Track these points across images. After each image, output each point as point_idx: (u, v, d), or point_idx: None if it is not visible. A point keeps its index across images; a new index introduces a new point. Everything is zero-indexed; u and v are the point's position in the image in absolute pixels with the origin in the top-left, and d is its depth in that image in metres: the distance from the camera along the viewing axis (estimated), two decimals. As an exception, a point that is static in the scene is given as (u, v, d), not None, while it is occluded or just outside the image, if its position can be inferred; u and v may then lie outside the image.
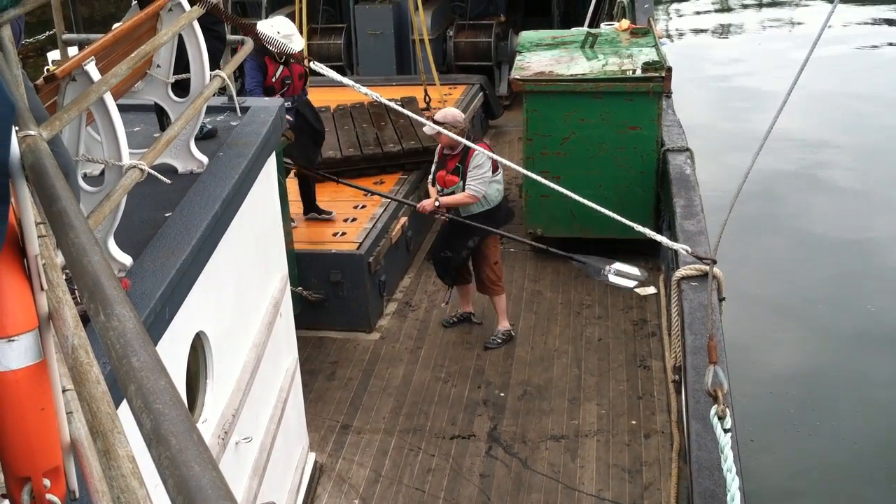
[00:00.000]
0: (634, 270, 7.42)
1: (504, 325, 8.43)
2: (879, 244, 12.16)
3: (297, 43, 8.13)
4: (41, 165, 2.23)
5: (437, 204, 7.88)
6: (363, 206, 9.38)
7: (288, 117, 7.58)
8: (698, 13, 26.85)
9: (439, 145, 8.09)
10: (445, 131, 7.00)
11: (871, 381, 9.41)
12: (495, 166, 7.82)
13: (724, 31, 24.91)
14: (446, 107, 9.33)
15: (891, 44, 22.18)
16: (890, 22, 24.00)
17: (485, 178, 7.75)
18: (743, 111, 16.57)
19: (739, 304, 8.93)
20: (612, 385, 7.73)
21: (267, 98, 7.34)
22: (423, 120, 6.57)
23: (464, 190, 7.82)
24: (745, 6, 26.85)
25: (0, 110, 2.07)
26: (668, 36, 23.28)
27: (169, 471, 1.20)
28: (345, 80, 5.54)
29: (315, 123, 8.78)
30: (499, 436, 7.20)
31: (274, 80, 8.26)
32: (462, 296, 8.68)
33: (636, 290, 9.16)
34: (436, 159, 8.21)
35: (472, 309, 8.71)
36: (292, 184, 9.05)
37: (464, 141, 6.92)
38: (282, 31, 8.05)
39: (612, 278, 7.34)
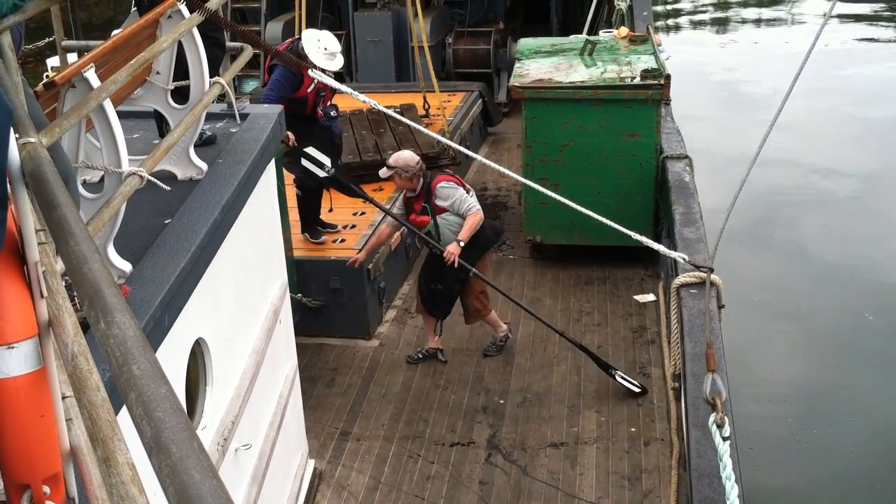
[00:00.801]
0: (635, 382, 7.68)
1: (500, 331, 8.32)
2: (878, 252, 12.16)
3: (338, 62, 7.95)
4: (41, 172, 2.23)
5: (461, 245, 7.54)
6: (362, 213, 9.39)
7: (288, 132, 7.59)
8: (697, 16, 26.89)
9: (403, 191, 7.89)
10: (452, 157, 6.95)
11: (868, 389, 9.41)
12: (467, 188, 7.68)
13: (722, 36, 24.94)
14: (401, 149, 9.18)
15: (890, 41, 22.25)
16: (888, 22, 24.03)
17: (465, 198, 7.56)
18: (742, 117, 16.59)
19: (739, 311, 8.94)
20: (611, 392, 7.72)
21: (266, 105, 7.34)
22: (420, 127, 6.57)
23: (436, 226, 7.62)
24: (744, 4, 26.88)
25: None
26: (669, 29, 23.34)
27: (170, 479, 1.20)
28: (343, 87, 5.56)
29: (336, 140, 8.75)
30: (498, 443, 7.19)
31: (309, 90, 8.13)
32: (429, 330, 8.33)
33: (636, 297, 9.18)
34: (402, 204, 7.96)
35: (441, 345, 8.33)
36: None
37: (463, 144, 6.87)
38: (328, 47, 7.92)
39: (619, 378, 7.67)
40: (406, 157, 7.61)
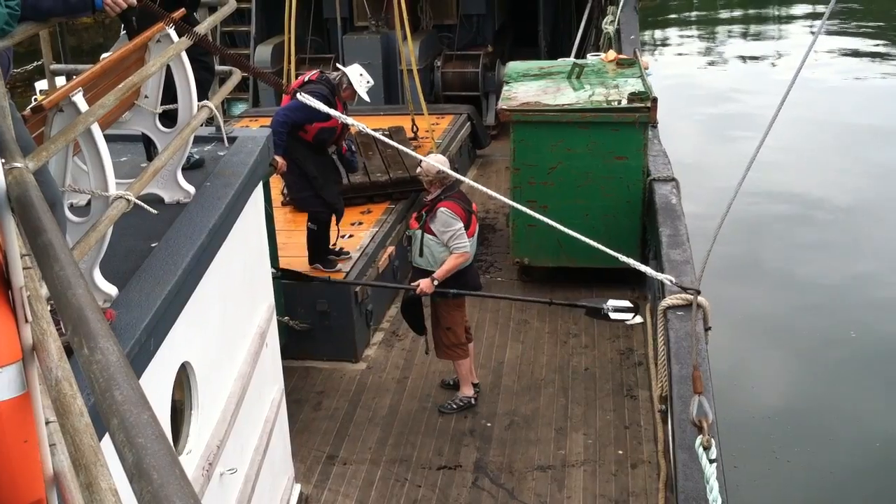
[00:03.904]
0: (626, 303, 7.45)
1: (465, 391, 7.93)
2: (863, 272, 12.22)
3: (366, 95, 8.52)
4: (27, 198, 2.24)
5: (435, 282, 7.34)
6: (350, 236, 9.39)
7: (277, 157, 7.65)
8: (684, 43, 27.10)
9: None
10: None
11: (854, 410, 9.44)
12: (471, 231, 7.43)
13: (709, 61, 25.13)
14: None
15: (876, 67, 22.46)
16: (873, 54, 24.25)
17: (458, 234, 7.30)
18: (729, 141, 16.70)
19: (725, 333, 8.96)
20: (598, 415, 7.72)
21: (255, 129, 7.36)
22: (409, 151, 6.60)
23: (421, 239, 7.44)
24: (731, 45, 27.08)
25: None
26: (658, 48, 23.53)
27: (150, 505, 1.20)
28: (332, 110, 5.58)
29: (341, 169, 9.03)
30: (485, 466, 7.17)
31: (340, 122, 8.18)
32: (463, 377, 8.01)
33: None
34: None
35: (474, 393, 8.04)
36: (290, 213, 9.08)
37: (454, 175, 6.86)
38: (370, 81, 8.57)
39: (613, 315, 7.42)
40: (431, 162, 7.37)
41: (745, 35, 28.02)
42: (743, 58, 25.12)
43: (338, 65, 8.69)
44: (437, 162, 7.41)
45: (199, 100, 5.12)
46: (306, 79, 8.41)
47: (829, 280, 12.07)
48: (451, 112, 13.56)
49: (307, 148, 8.31)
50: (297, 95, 5.43)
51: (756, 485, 8.31)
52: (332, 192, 8.62)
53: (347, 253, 8.99)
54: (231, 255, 5.10)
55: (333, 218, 8.72)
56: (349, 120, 5.66)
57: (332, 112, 5.53)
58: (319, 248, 8.78)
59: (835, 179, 15.43)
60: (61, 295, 1.79)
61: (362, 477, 7.11)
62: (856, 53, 24.10)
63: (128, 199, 3.82)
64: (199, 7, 5.98)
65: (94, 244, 3.55)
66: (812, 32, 25.86)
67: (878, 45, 25.05)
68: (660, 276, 5.84)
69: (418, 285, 7.41)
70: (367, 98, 8.51)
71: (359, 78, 8.42)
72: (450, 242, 7.33)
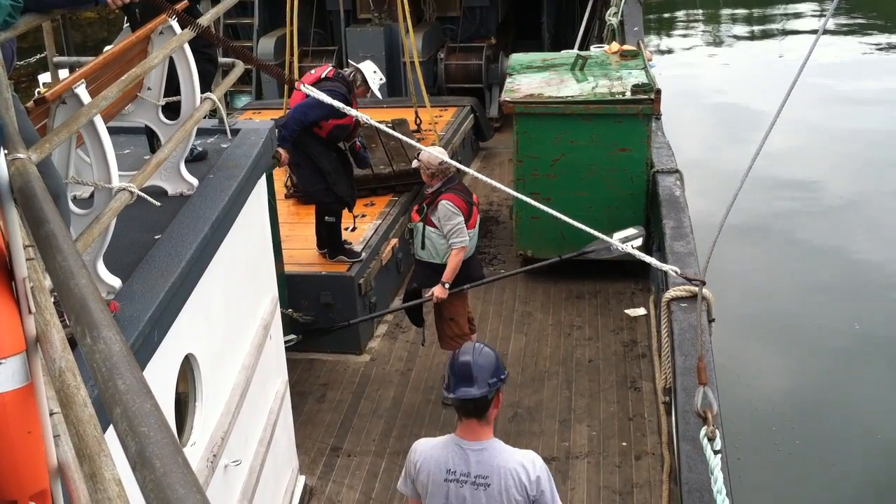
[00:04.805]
0: (629, 231, 7.46)
1: None
2: (867, 265, 12.21)
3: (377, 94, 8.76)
4: (30, 189, 2.24)
5: (446, 286, 7.43)
6: (353, 229, 9.38)
7: (280, 149, 7.66)
8: (688, 35, 27.03)
9: None
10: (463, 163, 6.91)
11: (858, 401, 9.43)
12: (472, 223, 7.45)
13: (713, 52, 25.07)
14: (435, 146, 9.29)
15: (878, 55, 22.40)
16: (877, 49, 24.18)
17: (458, 229, 7.32)
18: (733, 133, 16.66)
19: (729, 324, 8.95)
20: (602, 406, 7.72)
21: (258, 121, 7.35)
22: (413, 142, 6.59)
23: (423, 231, 7.44)
24: (735, 37, 27.01)
25: None
26: (661, 52, 23.47)
27: (153, 494, 1.20)
28: (335, 102, 5.56)
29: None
30: (489, 458, 7.16)
31: (353, 119, 8.16)
32: None
33: (626, 311, 9.19)
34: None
35: None
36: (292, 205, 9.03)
37: (455, 163, 6.86)
38: (383, 78, 8.75)
39: (624, 247, 7.28)
40: (431, 154, 7.32)
41: (749, 25, 27.93)
42: (748, 46, 25.04)
43: (350, 61, 8.76)
44: (431, 157, 7.38)
45: (202, 92, 5.12)
46: (322, 75, 8.36)
47: (834, 272, 12.06)
48: (455, 104, 13.54)
49: (322, 144, 8.36)
50: (302, 87, 5.41)
51: (760, 476, 8.32)
52: (343, 187, 8.65)
53: (359, 254, 8.95)
54: (234, 247, 5.10)
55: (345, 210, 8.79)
56: (364, 117, 5.63)
57: (351, 111, 5.52)
58: (338, 241, 8.80)
59: (841, 167, 15.40)
60: (64, 285, 1.79)
61: (366, 469, 7.12)
62: (864, 29, 24.02)
63: (131, 191, 3.82)
64: (202, -1, 5.97)
65: (97, 236, 3.55)
66: (823, 14, 25.79)
67: (885, 34, 24.98)
68: (665, 266, 5.83)
69: (432, 294, 7.46)
70: (379, 95, 8.70)
71: (373, 75, 8.56)
72: (449, 235, 7.37)
